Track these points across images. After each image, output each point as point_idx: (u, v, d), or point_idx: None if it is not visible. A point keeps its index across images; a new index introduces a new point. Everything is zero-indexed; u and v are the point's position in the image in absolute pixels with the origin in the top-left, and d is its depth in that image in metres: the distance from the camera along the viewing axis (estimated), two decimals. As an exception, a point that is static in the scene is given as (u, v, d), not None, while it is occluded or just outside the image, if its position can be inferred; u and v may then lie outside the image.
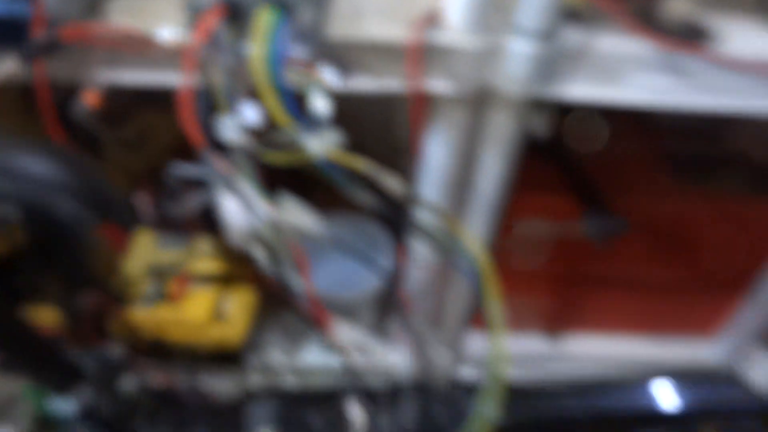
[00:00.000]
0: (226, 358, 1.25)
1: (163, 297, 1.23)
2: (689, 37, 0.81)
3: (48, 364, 0.77)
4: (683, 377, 0.84)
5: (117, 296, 1.19)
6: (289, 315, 1.38)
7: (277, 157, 0.69)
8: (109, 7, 0.77)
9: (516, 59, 0.79)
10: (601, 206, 1.08)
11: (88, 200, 0.66)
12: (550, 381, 0.94)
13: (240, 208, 0.67)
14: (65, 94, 0.79)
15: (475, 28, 0.77)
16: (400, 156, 0.96)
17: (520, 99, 0.83)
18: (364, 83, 0.78)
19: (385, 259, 1.09)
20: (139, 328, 1.17)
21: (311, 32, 0.70)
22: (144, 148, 1.41)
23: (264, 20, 0.66)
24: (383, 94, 0.79)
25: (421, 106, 0.79)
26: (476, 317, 1.24)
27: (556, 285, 1.25)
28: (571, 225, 1.11)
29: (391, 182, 0.78)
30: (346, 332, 0.78)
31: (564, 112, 1.01)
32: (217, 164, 0.67)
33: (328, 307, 0.98)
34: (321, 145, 0.66)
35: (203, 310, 1.23)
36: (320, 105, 0.65)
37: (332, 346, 0.78)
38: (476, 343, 1.23)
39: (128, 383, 0.84)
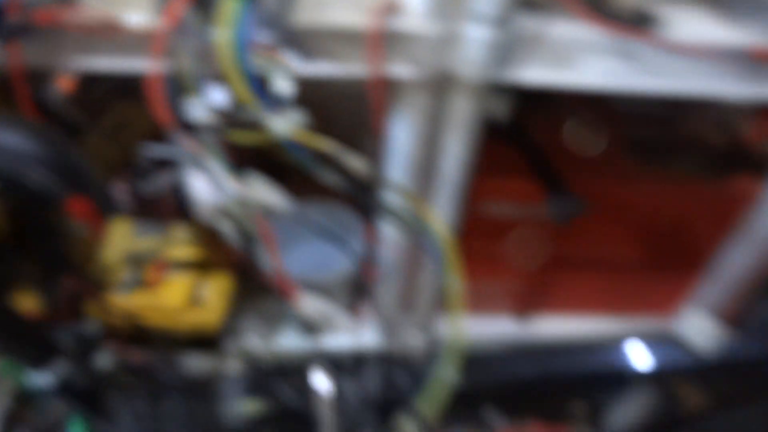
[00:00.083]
0: (204, 342, 1.28)
1: (140, 283, 1.26)
2: (638, 23, 0.86)
3: (25, 341, 0.80)
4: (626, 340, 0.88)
5: (95, 283, 1.22)
6: (266, 300, 1.41)
7: (243, 137, 0.72)
8: (82, -6, 0.79)
9: (473, 45, 0.83)
10: (563, 189, 1.13)
11: (58, 170, 0.69)
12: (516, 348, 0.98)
13: (207, 185, 0.70)
14: (41, 82, 0.81)
15: (433, 15, 0.81)
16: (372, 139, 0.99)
17: (479, 83, 0.87)
18: (328, 68, 0.81)
19: (357, 243, 1.13)
20: (118, 314, 1.20)
21: (276, 18, 0.74)
22: (121, 139, 1.43)
23: (229, 7, 0.69)
24: (347, 79, 0.83)
25: (382, 90, 0.83)
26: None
27: (521, 267, 1.30)
28: (534, 207, 1.15)
29: (355, 162, 0.82)
30: (311, 303, 0.82)
31: (526, 98, 1.06)
32: (186, 144, 0.70)
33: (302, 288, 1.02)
34: (284, 124, 0.69)
35: (180, 296, 1.26)
36: (283, 86, 0.69)
37: (298, 315, 0.81)
38: (448, 326, 1.27)
39: (104, 360, 0.87)
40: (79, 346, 0.80)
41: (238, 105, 0.71)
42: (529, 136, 1.18)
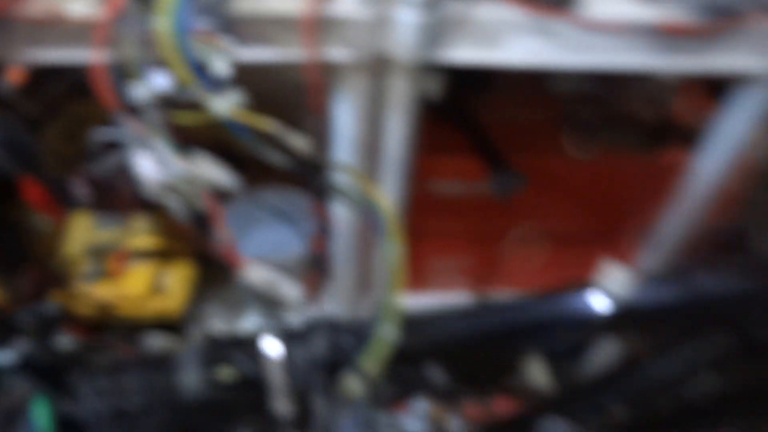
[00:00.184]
0: (168, 328, 1.32)
1: (103, 274, 1.30)
2: (557, 3, 0.92)
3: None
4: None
5: (58, 275, 1.25)
6: (229, 287, 1.46)
7: (186, 118, 0.77)
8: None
9: (405, 28, 0.89)
10: (504, 166, 1.19)
11: (10, 149, 0.73)
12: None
13: (154, 163, 0.74)
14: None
15: (366, 0, 0.87)
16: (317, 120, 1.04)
17: (412, 64, 0.93)
18: (267, 53, 0.86)
19: (312, 224, 1.18)
20: (83, 304, 1.24)
21: (214, 6, 0.78)
22: (78, 136, 1.46)
23: (168, -4, 0.74)
24: (286, 63, 0.88)
25: (318, 74, 0.88)
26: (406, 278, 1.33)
27: (473, 243, 1.36)
28: (479, 184, 1.21)
29: (298, 142, 0.87)
30: (258, 272, 0.86)
31: (469, 79, 1.12)
32: (132, 126, 0.75)
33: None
34: (224, 104, 0.74)
35: (142, 284, 1.31)
36: (221, 67, 0.74)
37: (244, 283, 0.86)
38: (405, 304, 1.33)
39: (66, 342, 0.91)
40: (39, 324, 0.84)
41: (180, 88, 0.75)
42: (472, 116, 1.24)
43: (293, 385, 0.82)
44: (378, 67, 0.94)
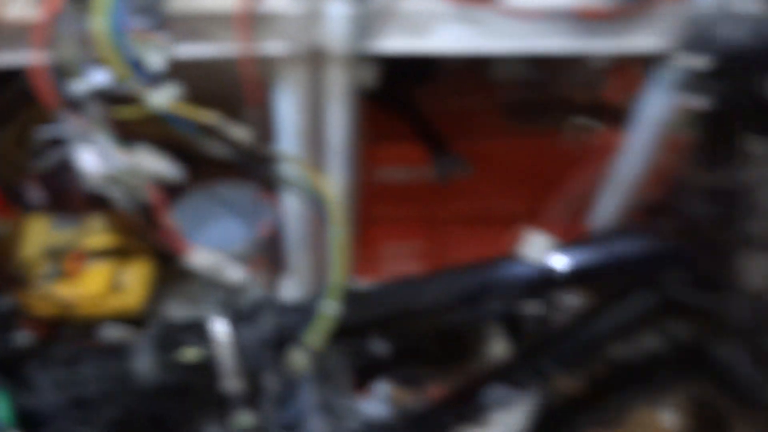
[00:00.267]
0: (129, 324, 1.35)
1: (60, 274, 1.32)
2: (480, -7, 0.98)
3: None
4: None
5: (16, 278, 1.27)
6: (190, 284, 1.49)
7: (126, 112, 0.80)
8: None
9: (336, 20, 0.93)
10: (446, 151, 1.25)
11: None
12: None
13: (95, 157, 0.78)
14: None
15: (297, -5, 0.91)
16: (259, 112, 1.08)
17: (346, 55, 0.98)
18: (204, 49, 0.90)
19: (264, 215, 1.22)
20: (41, 305, 1.26)
21: (149, 5, 0.82)
22: (30, 141, 1.48)
23: (103, -4, 0.77)
24: (222, 59, 0.92)
25: (253, 67, 0.92)
26: (360, 265, 1.38)
27: (422, 227, 1.42)
28: (423, 169, 1.27)
29: (239, 133, 0.91)
30: (202, 256, 0.90)
31: (409, 68, 1.17)
32: (73, 122, 0.78)
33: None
34: (161, 98, 0.78)
35: (100, 283, 1.33)
36: (156, 62, 0.78)
37: (191, 267, 0.90)
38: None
39: (24, 339, 0.93)
40: (-8, 318, 0.86)
41: (119, 83, 0.79)
42: (412, 104, 1.29)
43: (243, 364, 0.86)
44: (314, 59, 0.99)
